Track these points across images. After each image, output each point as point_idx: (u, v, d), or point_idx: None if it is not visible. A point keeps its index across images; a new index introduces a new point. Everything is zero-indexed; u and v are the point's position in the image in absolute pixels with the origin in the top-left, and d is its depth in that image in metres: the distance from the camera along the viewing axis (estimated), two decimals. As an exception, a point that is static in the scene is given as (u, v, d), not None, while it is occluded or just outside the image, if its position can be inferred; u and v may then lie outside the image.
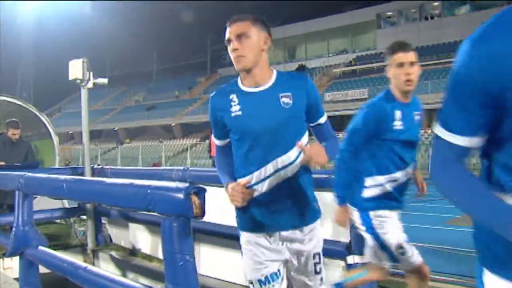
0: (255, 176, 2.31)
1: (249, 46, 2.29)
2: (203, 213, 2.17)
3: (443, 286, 4.47)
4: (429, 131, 32.63)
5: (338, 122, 39.92)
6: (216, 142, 2.53)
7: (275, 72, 2.44)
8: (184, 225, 2.22)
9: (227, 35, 2.32)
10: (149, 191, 2.30)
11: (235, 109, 2.32)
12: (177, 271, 2.23)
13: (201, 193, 2.18)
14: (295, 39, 50.98)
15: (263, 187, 2.32)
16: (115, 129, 53.20)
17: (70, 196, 3.23)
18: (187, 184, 2.17)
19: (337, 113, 37.21)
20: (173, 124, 48.33)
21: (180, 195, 2.13)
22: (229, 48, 2.31)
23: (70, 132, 53.17)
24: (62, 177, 3.27)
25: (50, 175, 3.64)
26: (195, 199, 2.15)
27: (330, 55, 47.99)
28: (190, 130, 48.75)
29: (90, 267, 3.07)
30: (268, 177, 2.31)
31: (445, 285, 4.49)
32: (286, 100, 2.33)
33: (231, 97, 2.35)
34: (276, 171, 2.31)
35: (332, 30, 47.47)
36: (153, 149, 45.21)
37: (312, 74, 45.10)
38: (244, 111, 2.31)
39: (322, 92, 39.95)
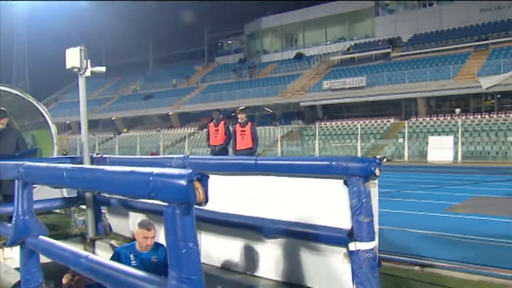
0: None
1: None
2: (206, 200, 2.15)
3: (441, 272, 4.47)
4: (427, 118, 32.61)
5: (336, 110, 39.94)
6: None
7: None
8: (187, 212, 2.20)
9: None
10: (151, 178, 2.27)
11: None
12: (181, 259, 2.21)
13: (204, 179, 2.15)
14: (293, 27, 50.71)
15: None
16: (113, 118, 53.00)
17: (71, 184, 3.20)
18: (190, 171, 2.14)
19: (335, 101, 37.14)
20: (170, 113, 48.16)
21: (183, 182, 2.11)
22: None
23: (68, 122, 52.97)
24: (62, 165, 3.24)
25: (50, 164, 3.60)
26: (198, 186, 2.12)
27: (328, 43, 47.75)
28: (188, 119, 48.62)
29: (91, 256, 3.05)
30: None
31: (443, 271, 4.50)
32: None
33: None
34: None
35: (330, 17, 47.18)
36: (151, 139, 45.12)
37: (310, 62, 44.94)
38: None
39: (320, 80, 39.83)
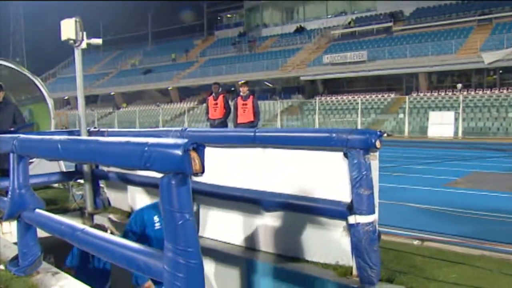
0: None
1: None
2: (203, 170, 2.09)
3: (441, 246, 4.46)
4: (428, 93, 32.43)
5: (337, 85, 39.70)
6: None
7: None
8: (183, 182, 2.14)
9: None
10: (146, 148, 2.20)
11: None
12: (177, 230, 2.17)
13: (200, 149, 2.09)
14: (293, 0, 49.98)
15: None
16: (112, 93, 52.74)
17: (66, 156, 3.14)
18: (186, 140, 2.08)
19: (336, 75, 36.87)
20: (170, 88, 47.92)
21: (179, 151, 2.05)
22: None
23: (66, 97, 52.72)
24: (57, 137, 3.18)
25: (45, 136, 3.54)
26: (194, 155, 2.06)
27: (329, 16, 47.15)
28: (187, 93, 48.41)
29: (88, 229, 3.02)
30: None
31: (443, 245, 4.49)
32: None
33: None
34: None
35: (331, -10, 46.55)
36: (150, 113, 44.99)
37: (311, 36, 44.46)
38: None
39: (321, 54, 39.47)
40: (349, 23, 43.15)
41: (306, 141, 3.84)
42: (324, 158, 3.79)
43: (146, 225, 3.97)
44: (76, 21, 6.04)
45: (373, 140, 3.46)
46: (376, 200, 3.60)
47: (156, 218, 3.98)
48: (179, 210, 2.16)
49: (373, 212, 3.53)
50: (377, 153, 3.58)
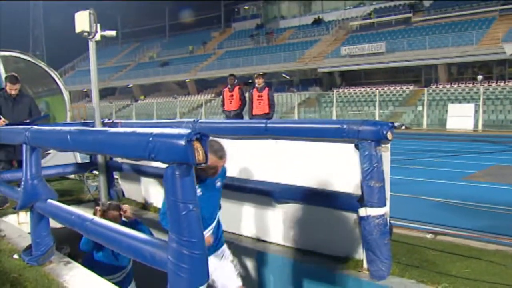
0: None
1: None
2: (206, 160, 2.08)
3: (455, 240, 4.39)
4: (448, 85, 31.98)
5: (355, 77, 39.37)
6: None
7: None
8: (186, 172, 2.13)
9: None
10: (151, 138, 2.20)
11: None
12: (181, 221, 2.17)
13: (203, 139, 2.08)
14: (311, -9, 49.62)
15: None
16: (130, 85, 53.16)
17: (75, 147, 3.17)
18: (188, 130, 2.06)
19: (354, 67, 36.55)
20: (187, 80, 48.09)
21: (182, 142, 2.04)
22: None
23: (85, 89, 53.27)
24: (67, 128, 3.19)
25: (55, 127, 3.57)
26: (197, 145, 2.05)
27: (347, 8, 46.70)
28: (205, 85, 48.53)
29: (96, 219, 3.04)
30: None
31: (458, 239, 4.41)
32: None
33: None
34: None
35: (350, -19, 46.08)
36: (168, 105, 45.24)
37: (329, 27, 44.11)
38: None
39: (339, 45, 39.14)
40: (369, 14, 42.61)
41: (317, 133, 3.80)
42: (335, 149, 3.75)
43: None
44: (90, 13, 6.06)
45: (385, 132, 3.41)
46: (388, 193, 3.56)
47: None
48: (183, 201, 2.15)
49: (384, 205, 3.49)
50: (388, 145, 3.53)
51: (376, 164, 3.44)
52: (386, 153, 3.53)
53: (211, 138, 2.46)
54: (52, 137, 3.40)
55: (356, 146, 3.53)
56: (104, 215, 4.10)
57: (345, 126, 3.53)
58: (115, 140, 2.55)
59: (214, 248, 3.54)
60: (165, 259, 2.26)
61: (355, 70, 37.30)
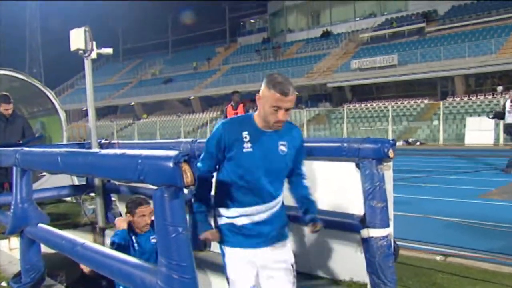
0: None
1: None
2: (194, 182, 2.15)
3: (466, 262, 4.39)
4: (465, 98, 31.94)
5: (366, 91, 39.46)
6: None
7: None
8: (175, 195, 2.20)
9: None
10: (139, 160, 2.28)
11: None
12: (170, 244, 2.23)
13: (192, 161, 2.15)
14: (319, 3, 50.08)
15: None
16: (132, 104, 53.62)
17: (66, 170, 3.25)
18: (176, 152, 2.14)
19: (365, 81, 36.68)
20: (191, 98, 48.42)
21: (170, 164, 2.11)
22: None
23: (84, 108, 53.74)
24: (57, 150, 3.29)
25: (46, 149, 3.67)
26: (186, 168, 2.12)
27: (357, 19, 47.06)
28: (210, 103, 48.82)
29: (87, 243, 3.10)
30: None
31: (469, 261, 4.41)
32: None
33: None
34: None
35: (359, -9, 46.52)
36: (172, 124, 45.51)
37: (338, 40, 44.41)
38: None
39: (349, 59, 39.34)
40: (391, 23, 42.34)
41: (316, 151, 3.85)
42: (335, 168, 3.80)
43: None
44: (85, 31, 6.21)
45: (386, 150, 3.45)
46: (391, 213, 3.59)
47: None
48: (172, 224, 2.22)
49: (388, 226, 3.52)
50: (390, 163, 3.58)
51: (378, 183, 3.48)
52: (388, 172, 3.56)
53: None
54: (43, 159, 3.50)
55: (357, 165, 3.58)
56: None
57: (345, 145, 3.58)
58: (104, 162, 2.63)
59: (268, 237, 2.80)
60: (154, 284, 2.31)
61: (367, 84, 37.41)
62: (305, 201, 3.03)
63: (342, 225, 3.76)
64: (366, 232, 3.54)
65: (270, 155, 2.70)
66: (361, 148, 3.52)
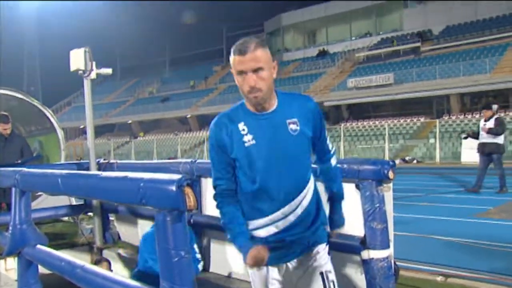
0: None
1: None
2: (197, 206, 2.15)
3: (467, 283, 4.36)
4: (461, 116, 32.12)
5: (363, 110, 39.65)
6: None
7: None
8: (178, 219, 2.20)
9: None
10: (142, 184, 2.28)
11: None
12: (172, 268, 2.22)
13: (195, 184, 2.16)
14: (315, 23, 50.59)
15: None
16: (129, 122, 53.68)
17: (66, 191, 3.25)
18: (179, 176, 2.14)
19: (362, 100, 36.87)
20: (188, 116, 48.53)
21: (173, 187, 2.11)
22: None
23: (82, 126, 53.78)
24: (58, 172, 3.29)
25: (46, 170, 3.66)
26: (188, 191, 2.12)
27: (353, 38, 47.50)
28: (207, 121, 48.82)
29: (87, 265, 3.08)
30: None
31: (470, 282, 4.38)
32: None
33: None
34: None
35: (355, 11, 46.98)
36: (169, 143, 45.53)
37: (334, 59, 44.73)
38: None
39: (345, 78, 39.60)
40: (392, 42, 42.58)
41: (316, 172, 3.86)
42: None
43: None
44: (85, 51, 6.24)
45: (386, 171, 3.46)
46: (391, 234, 3.59)
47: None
48: (174, 248, 2.21)
49: (388, 247, 3.51)
50: (390, 184, 3.58)
51: (378, 204, 3.48)
52: (388, 193, 3.57)
53: None
54: (43, 181, 3.49)
55: (357, 186, 3.59)
56: None
57: (345, 166, 3.59)
58: (106, 185, 2.63)
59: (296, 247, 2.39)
60: (156, 308, 2.30)
61: (363, 103, 37.61)
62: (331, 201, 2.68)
63: (342, 247, 3.74)
64: (366, 254, 3.53)
65: (279, 140, 2.24)
66: (361, 170, 3.53)
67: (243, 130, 2.24)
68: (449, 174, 19.02)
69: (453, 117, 32.41)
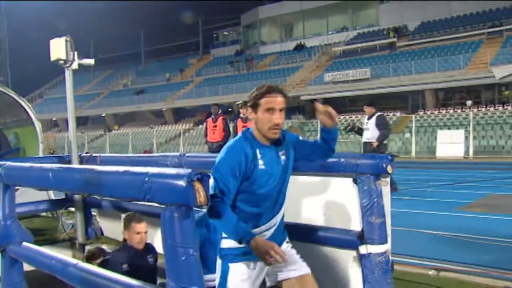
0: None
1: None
2: (207, 202, 2.06)
3: (460, 276, 4.39)
4: (436, 111, 32.58)
5: (339, 104, 39.81)
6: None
7: None
8: (186, 215, 2.11)
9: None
10: (146, 178, 2.18)
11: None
12: (180, 266, 2.13)
13: (204, 179, 2.07)
14: (292, 16, 50.59)
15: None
16: (103, 115, 52.88)
17: (58, 186, 3.11)
18: (189, 170, 2.05)
19: (338, 94, 37.06)
20: (164, 109, 48.08)
21: (182, 183, 2.02)
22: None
23: (54, 119, 52.81)
24: (48, 165, 3.15)
25: (34, 164, 3.51)
26: (198, 186, 2.04)
27: (330, 33, 47.65)
28: (183, 114, 48.56)
29: (81, 263, 2.97)
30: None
31: (463, 276, 4.41)
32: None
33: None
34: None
35: (331, 6, 47.11)
36: (144, 136, 45.03)
37: (311, 53, 44.82)
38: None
39: (322, 72, 39.74)
40: (388, 33, 42.38)
41: (313, 167, 3.81)
42: (333, 184, 3.76)
43: None
44: (66, 40, 6.05)
45: (384, 165, 3.43)
46: (389, 228, 3.56)
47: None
48: (182, 245, 2.12)
49: (386, 242, 3.49)
50: (388, 179, 3.56)
51: (376, 199, 3.46)
52: (386, 187, 3.55)
53: None
54: (31, 175, 3.34)
55: (355, 181, 3.55)
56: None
57: (343, 160, 3.55)
58: (105, 180, 2.51)
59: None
60: (161, 308, 2.21)
61: (340, 97, 37.81)
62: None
63: (339, 241, 3.71)
64: (364, 248, 3.50)
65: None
66: (359, 164, 3.49)
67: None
68: (425, 169, 19.29)
69: (428, 112, 32.83)
